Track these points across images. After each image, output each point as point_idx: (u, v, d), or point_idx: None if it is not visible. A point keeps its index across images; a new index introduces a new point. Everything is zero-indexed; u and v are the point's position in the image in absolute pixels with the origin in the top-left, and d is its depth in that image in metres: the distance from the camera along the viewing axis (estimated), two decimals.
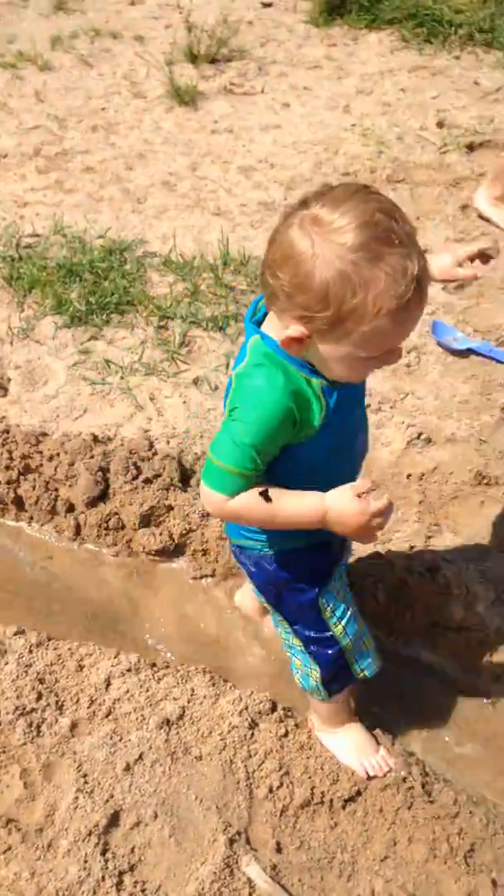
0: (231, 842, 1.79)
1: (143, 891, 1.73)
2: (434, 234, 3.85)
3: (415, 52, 5.50)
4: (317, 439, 1.56)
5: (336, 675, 1.90)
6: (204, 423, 2.95)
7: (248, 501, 1.51)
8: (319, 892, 1.73)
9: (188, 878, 1.74)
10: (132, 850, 1.78)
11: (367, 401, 2.69)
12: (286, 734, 2.00)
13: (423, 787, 1.93)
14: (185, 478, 2.74)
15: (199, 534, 2.62)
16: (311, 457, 1.58)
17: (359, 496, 1.48)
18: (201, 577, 2.63)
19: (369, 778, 1.93)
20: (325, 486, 1.53)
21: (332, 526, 1.51)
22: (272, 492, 1.52)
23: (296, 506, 1.53)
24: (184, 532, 2.63)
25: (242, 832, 1.82)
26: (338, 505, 1.49)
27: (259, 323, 1.57)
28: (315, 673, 1.89)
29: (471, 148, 4.55)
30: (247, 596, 2.42)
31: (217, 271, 3.62)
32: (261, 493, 1.52)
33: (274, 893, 1.71)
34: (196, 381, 3.14)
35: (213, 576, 2.62)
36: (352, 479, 1.59)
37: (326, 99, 5.07)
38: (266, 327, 1.54)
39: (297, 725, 2.04)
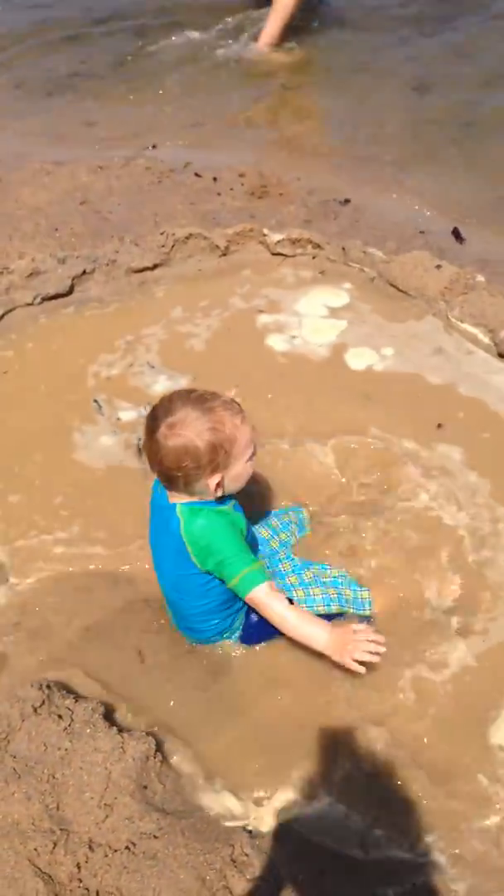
0: None
1: None
2: None
3: None
4: None
5: None
6: None
7: (277, 603, 2.20)
8: None
9: None
10: None
11: None
12: None
13: None
14: None
15: None
16: None
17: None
18: None
19: None
20: None
21: (330, 646, 2.19)
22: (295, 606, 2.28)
23: (310, 618, 2.25)
24: None
25: None
26: (339, 636, 2.18)
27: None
28: None
29: None
30: None
31: None
32: (288, 598, 2.27)
33: None
34: None
35: None
36: None
37: None
38: (174, 501, 2.22)
39: None
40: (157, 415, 2.14)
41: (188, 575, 2.24)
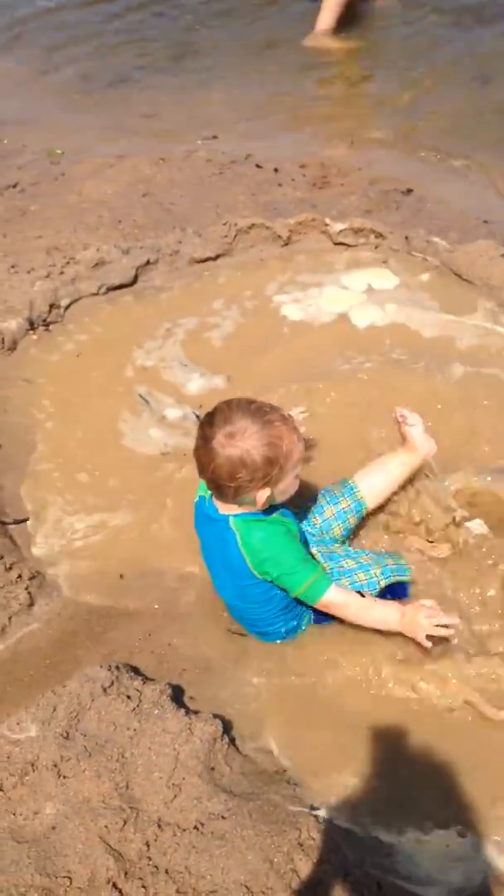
0: None
1: None
2: None
3: None
4: None
5: None
6: None
7: (349, 598, 2.26)
8: None
9: None
10: None
11: None
12: None
13: None
14: None
15: None
16: None
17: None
18: None
19: None
20: None
21: (403, 625, 2.23)
22: (366, 596, 2.30)
23: (380, 604, 2.30)
24: None
25: None
26: (411, 612, 2.22)
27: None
28: None
29: None
30: None
31: None
32: (358, 592, 2.29)
33: None
34: None
35: None
36: None
37: None
38: (225, 512, 2.22)
39: None
40: (214, 422, 2.11)
41: (248, 585, 2.25)
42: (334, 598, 2.22)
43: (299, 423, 2.55)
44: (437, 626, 2.20)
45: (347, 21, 6.48)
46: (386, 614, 2.26)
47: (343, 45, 6.35)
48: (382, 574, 2.42)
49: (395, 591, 2.43)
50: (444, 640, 2.26)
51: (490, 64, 5.91)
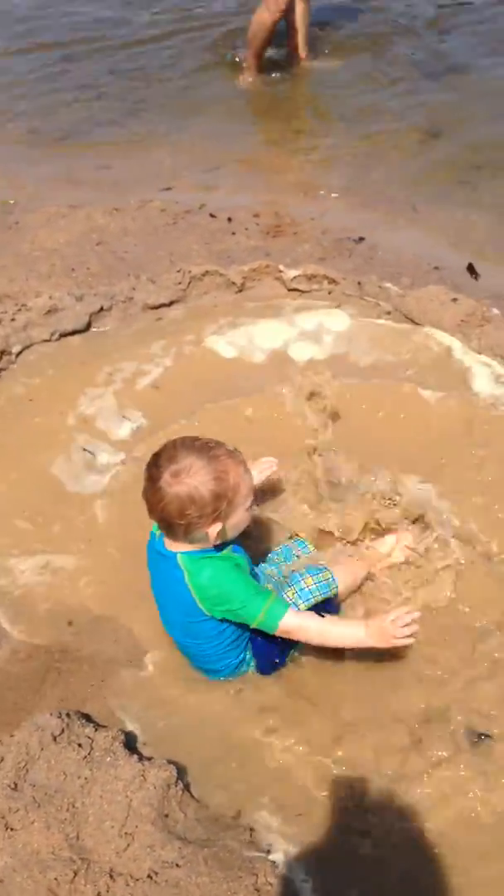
0: None
1: None
2: None
3: None
4: None
5: None
6: None
7: (308, 620, 2.23)
8: None
9: None
10: None
11: None
12: None
13: None
14: None
15: None
16: None
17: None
18: None
19: None
20: None
21: (371, 636, 2.19)
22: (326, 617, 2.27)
23: (345, 622, 2.36)
24: None
25: None
26: (376, 622, 2.20)
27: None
28: None
29: None
30: None
31: None
32: (318, 612, 2.27)
33: None
34: None
35: None
36: None
37: None
38: (173, 549, 2.20)
39: None
40: (160, 462, 2.12)
41: (197, 622, 2.23)
42: (292, 621, 2.19)
43: (266, 469, 2.61)
44: (403, 626, 2.17)
45: (295, 73, 6.73)
46: (350, 630, 2.24)
47: (267, 89, 6.60)
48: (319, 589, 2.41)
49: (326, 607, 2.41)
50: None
51: (439, 117, 6.10)
